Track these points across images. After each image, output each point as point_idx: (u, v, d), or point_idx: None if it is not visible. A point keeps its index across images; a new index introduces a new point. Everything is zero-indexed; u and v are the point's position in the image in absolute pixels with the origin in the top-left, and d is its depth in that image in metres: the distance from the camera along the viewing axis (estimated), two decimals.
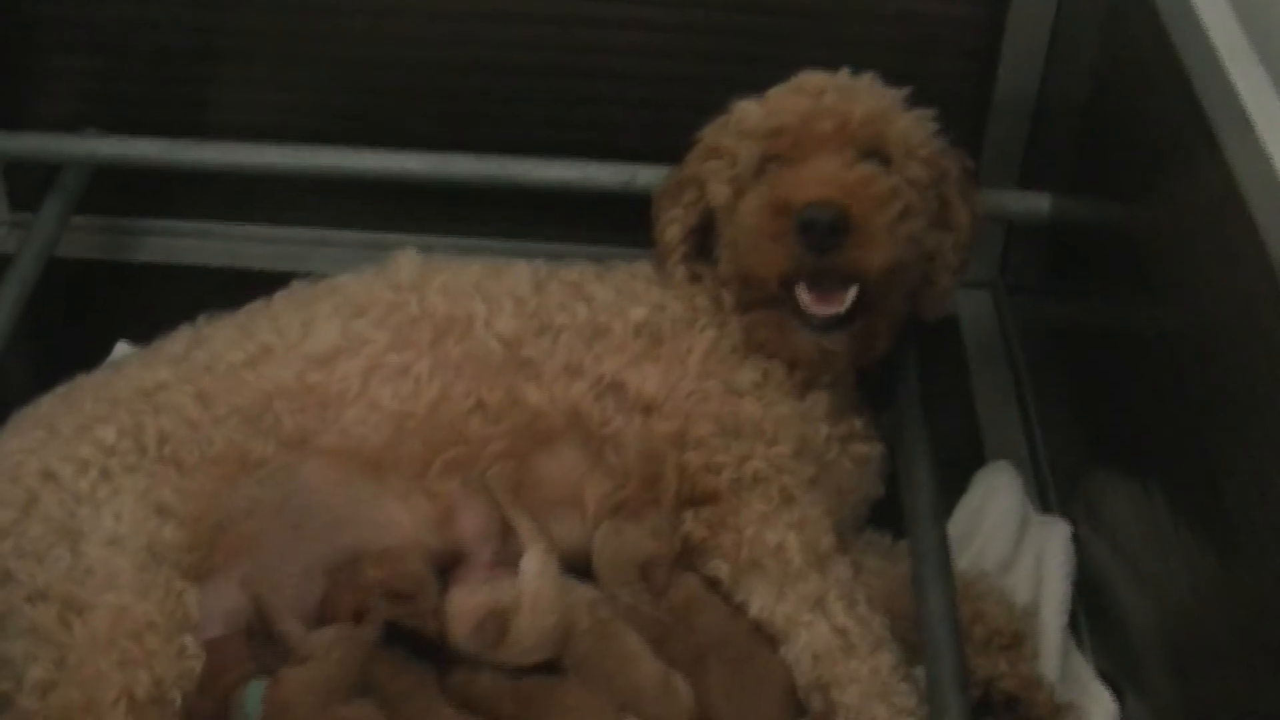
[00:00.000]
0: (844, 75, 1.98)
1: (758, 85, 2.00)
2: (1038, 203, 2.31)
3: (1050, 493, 2.15)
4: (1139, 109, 1.95)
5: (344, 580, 1.83)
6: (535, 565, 1.84)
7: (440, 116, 2.46)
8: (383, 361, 1.91)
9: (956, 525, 2.01)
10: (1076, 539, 2.01)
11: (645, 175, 2.25)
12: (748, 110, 1.98)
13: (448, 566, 1.88)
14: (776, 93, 1.98)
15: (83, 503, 1.77)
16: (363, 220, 2.55)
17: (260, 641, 1.80)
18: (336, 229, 2.57)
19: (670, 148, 2.10)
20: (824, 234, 1.82)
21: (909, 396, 2.01)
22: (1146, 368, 1.85)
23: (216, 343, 1.94)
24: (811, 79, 1.98)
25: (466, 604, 1.82)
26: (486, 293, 1.97)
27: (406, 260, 2.03)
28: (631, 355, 1.93)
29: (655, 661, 1.80)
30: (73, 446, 1.81)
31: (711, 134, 2.03)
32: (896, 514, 1.95)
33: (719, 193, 1.97)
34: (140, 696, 1.66)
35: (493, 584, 1.83)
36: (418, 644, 1.82)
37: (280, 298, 2.01)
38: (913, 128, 1.95)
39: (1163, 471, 1.77)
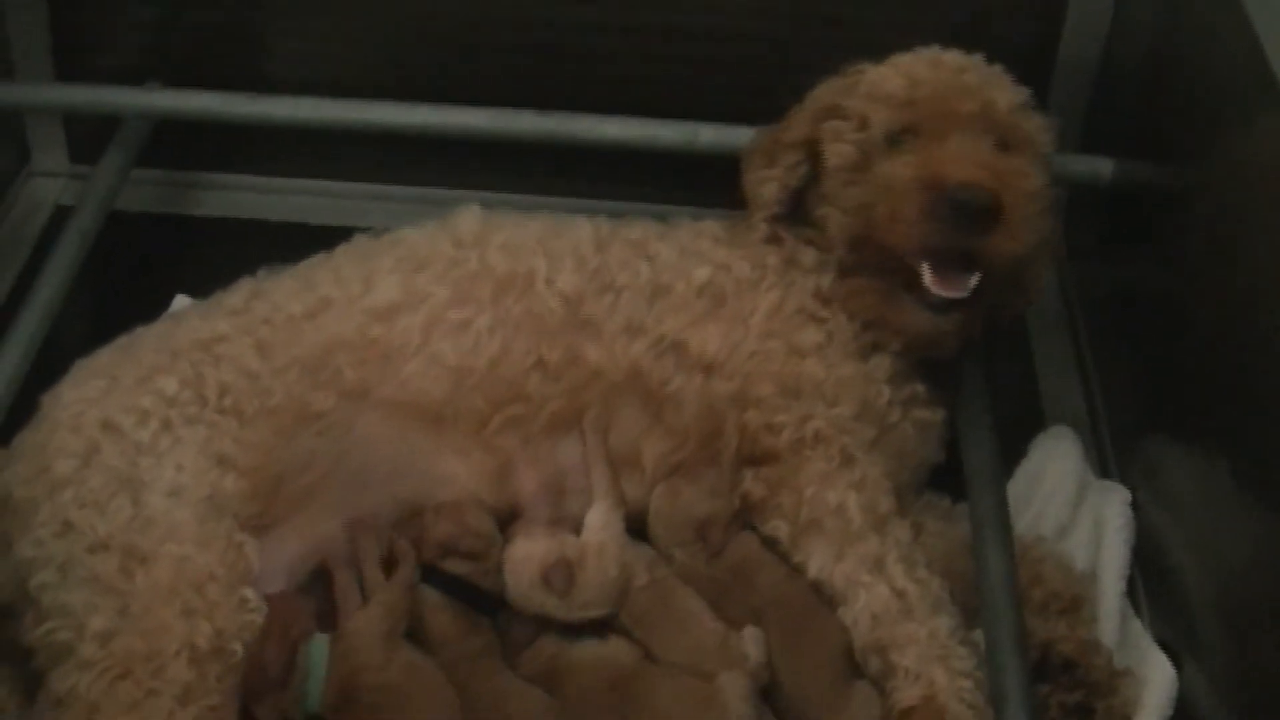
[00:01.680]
0: (980, 59, 1.98)
1: (824, 46, 2.00)
2: (1100, 167, 2.29)
3: (1109, 458, 2.13)
4: (1204, 71, 1.93)
5: (409, 534, 1.83)
6: (600, 518, 1.85)
7: (502, 72, 2.45)
8: (443, 317, 1.91)
9: (1015, 489, 1.99)
10: (1135, 505, 2.00)
11: (707, 134, 2.24)
12: (883, 75, 1.97)
13: (504, 523, 1.88)
14: (909, 62, 1.97)
15: (144, 453, 1.78)
16: (423, 176, 2.55)
17: (322, 595, 1.82)
18: (397, 184, 2.57)
19: (733, 107, 2.09)
20: (976, 216, 1.81)
21: (970, 360, 2.00)
22: (1208, 333, 1.85)
23: (276, 295, 1.94)
24: (948, 55, 1.97)
25: (531, 552, 1.82)
26: (548, 249, 1.97)
27: (468, 216, 2.02)
28: (693, 315, 1.93)
29: (715, 621, 1.80)
30: (134, 397, 1.82)
31: (829, 94, 2.01)
32: (955, 478, 1.95)
33: (842, 154, 1.95)
34: (202, 647, 1.67)
35: (555, 535, 1.83)
36: (481, 604, 1.83)
37: (341, 251, 2.02)
38: (1042, 129, 1.96)
39: (1223, 438, 1.76)
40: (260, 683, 1.72)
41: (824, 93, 2.02)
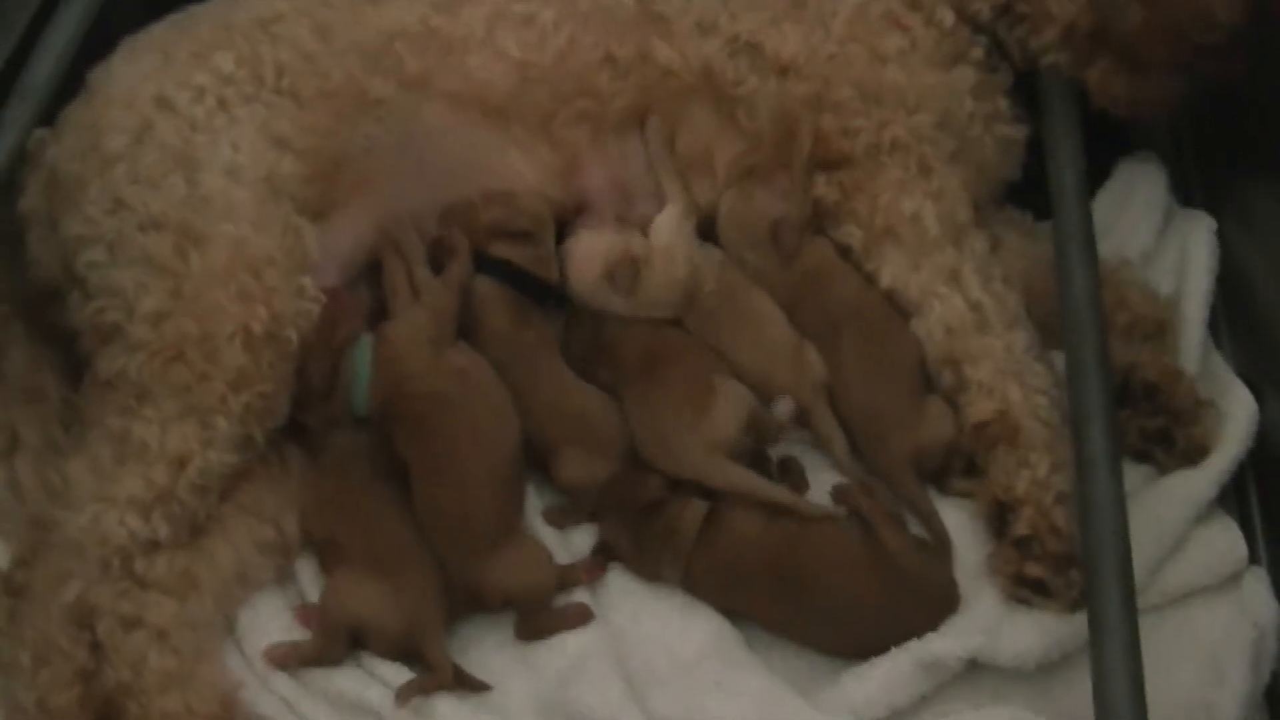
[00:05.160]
0: None
1: None
2: None
3: (1195, 188, 2.05)
4: None
5: (457, 221, 1.80)
6: (670, 220, 1.81)
7: None
8: (507, 10, 1.84)
9: (1099, 212, 1.90)
10: (1221, 235, 1.93)
11: None
12: None
13: (567, 220, 1.85)
14: None
15: (199, 130, 1.73)
16: None
17: (377, 289, 1.79)
18: None
19: None
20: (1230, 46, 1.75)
21: (1056, 78, 1.92)
22: None
23: None
24: None
25: (595, 245, 1.79)
26: None
27: None
28: (770, 14, 1.85)
29: (788, 326, 1.77)
30: (188, 73, 1.76)
31: None
32: (1035, 199, 1.88)
33: None
34: (257, 332, 1.65)
35: (621, 231, 1.79)
36: (534, 293, 1.80)
37: None
38: None
39: None
40: (304, 392, 1.71)
41: None
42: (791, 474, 1.72)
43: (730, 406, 1.70)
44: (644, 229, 1.82)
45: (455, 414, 1.70)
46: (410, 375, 1.71)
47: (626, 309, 1.77)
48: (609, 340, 1.77)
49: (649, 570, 1.68)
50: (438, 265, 1.79)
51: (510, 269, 1.78)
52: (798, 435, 1.77)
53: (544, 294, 1.80)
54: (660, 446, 1.70)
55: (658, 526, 1.67)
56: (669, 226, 1.80)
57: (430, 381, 1.71)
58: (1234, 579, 1.68)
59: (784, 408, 1.73)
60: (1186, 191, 2.05)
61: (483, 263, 1.78)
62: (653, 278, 1.77)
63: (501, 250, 1.78)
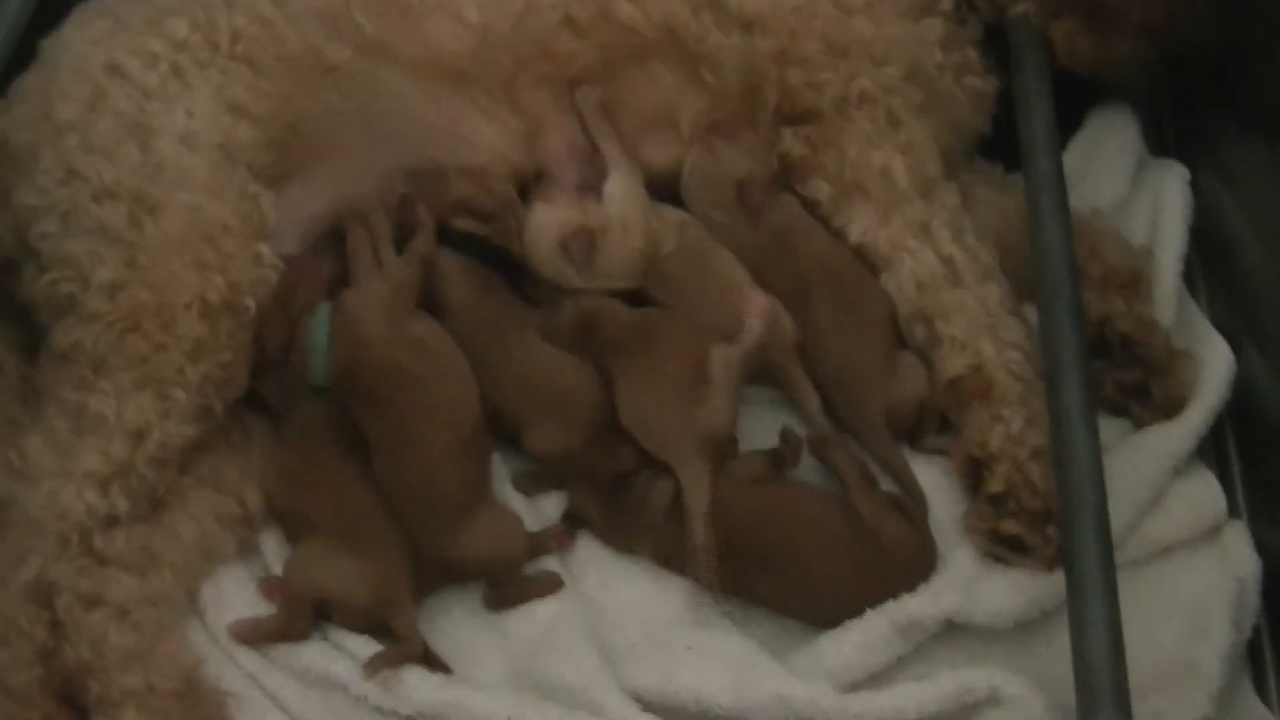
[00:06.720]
0: None
1: None
2: None
3: (1169, 137, 2.04)
4: None
5: (425, 192, 1.77)
6: (620, 188, 1.78)
7: None
8: None
9: (1070, 162, 1.88)
10: (1194, 184, 1.90)
11: None
12: None
13: (528, 187, 1.82)
14: None
15: (153, 98, 1.71)
16: None
17: (338, 256, 1.76)
18: None
19: None
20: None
21: (1025, 28, 1.89)
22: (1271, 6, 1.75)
23: None
24: None
25: (550, 219, 1.76)
26: None
27: None
28: None
29: (755, 288, 1.74)
30: (141, 39, 1.74)
31: None
32: (1005, 150, 1.86)
33: None
34: (214, 301, 1.63)
35: (579, 202, 1.77)
36: (499, 266, 1.78)
37: None
38: None
39: None
40: (259, 361, 1.69)
41: None
42: (789, 445, 1.68)
43: (724, 399, 1.66)
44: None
45: (412, 384, 1.67)
46: (366, 344, 1.68)
47: (586, 282, 1.75)
48: (584, 313, 1.73)
49: (620, 543, 1.66)
50: (401, 228, 1.76)
51: (476, 242, 1.76)
52: (770, 394, 1.75)
53: (511, 269, 1.77)
54: (646, 427, 1.66)
55: (628, 501, 1.64)
56: (619, 193, 1.77)
57: (387, 351, 1.68)
58: (1214, 532, 1.66)
59: (755, 306, 1.71)
60: (1159, 140, 2.03)
61: (448, 236, 1.76)
62: (609, 249, 1.75)
63: (462, 224, 1.76)
